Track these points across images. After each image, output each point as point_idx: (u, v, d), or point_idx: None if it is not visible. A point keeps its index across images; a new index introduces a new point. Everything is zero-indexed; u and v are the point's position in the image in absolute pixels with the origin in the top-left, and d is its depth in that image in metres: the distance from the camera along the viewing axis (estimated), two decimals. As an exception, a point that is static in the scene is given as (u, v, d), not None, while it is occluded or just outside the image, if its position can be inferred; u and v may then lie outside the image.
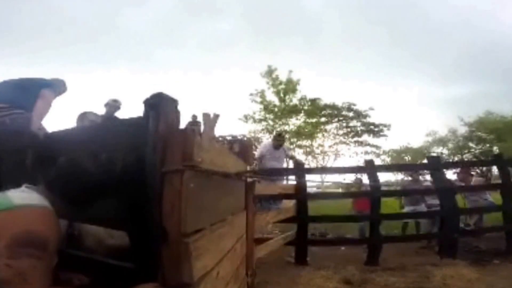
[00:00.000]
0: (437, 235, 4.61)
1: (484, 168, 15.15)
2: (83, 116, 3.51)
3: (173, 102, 1.22)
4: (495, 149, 20.14)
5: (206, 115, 3.73)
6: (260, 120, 21.03)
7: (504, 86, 32.33)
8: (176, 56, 43.14)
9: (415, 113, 42.11)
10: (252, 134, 20.23)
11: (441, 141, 23.90)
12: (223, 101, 31.34)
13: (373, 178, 4.41)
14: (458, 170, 5.87)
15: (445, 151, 23.55)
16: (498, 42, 34.51)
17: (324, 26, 38.58)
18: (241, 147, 2.54)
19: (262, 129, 21.22)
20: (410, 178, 5.96)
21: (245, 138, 11.29)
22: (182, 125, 1.25)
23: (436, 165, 4.75)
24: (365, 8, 40.48)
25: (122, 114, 4.30)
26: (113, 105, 4.29)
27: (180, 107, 1.25)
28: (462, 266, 3.62)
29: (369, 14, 40.05)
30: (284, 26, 38.89)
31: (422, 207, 5.38)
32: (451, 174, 6.38)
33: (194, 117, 6.96)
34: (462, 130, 22.98)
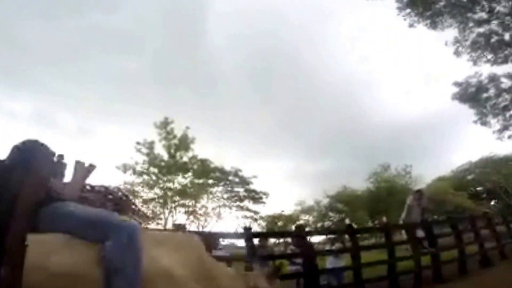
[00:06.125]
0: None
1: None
2: None
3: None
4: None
5: (79, 164, 3.41)
6: (142, 173, 19.69)
7: (358, 162, 40.19)
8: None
9: (289, 183, 47.73)
10: (128, 186, 18.54)
11: (308, 210, 27.56)
12: (106, 145, 28.42)
13: (250, 244, 4.70)
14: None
15: (311, 219, 27.12)
16: (357, 121, 44.03)
17: (227, 89, 41.81)
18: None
19: (141, 183, 19.66)
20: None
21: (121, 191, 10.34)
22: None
23: (301, 232, 5.66)
24: (261, 81, 46.35)
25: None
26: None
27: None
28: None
29: (262, 87, 45.63)
30: (187, 79, 39.86)
31: None
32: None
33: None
34: (325, 201, 27.28)
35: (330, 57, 49.57)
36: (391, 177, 25.88)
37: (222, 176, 21.81)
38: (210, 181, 21.59)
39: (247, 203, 22.79)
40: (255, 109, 44.73)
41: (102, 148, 27.56)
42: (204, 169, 20.97)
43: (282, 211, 27.25)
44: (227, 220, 22.23)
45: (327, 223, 26.42)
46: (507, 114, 13.79)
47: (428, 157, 34.85)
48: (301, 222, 23.82)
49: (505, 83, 13.43)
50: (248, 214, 22.79)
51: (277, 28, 45.08)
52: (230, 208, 22.38)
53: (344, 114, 45.45)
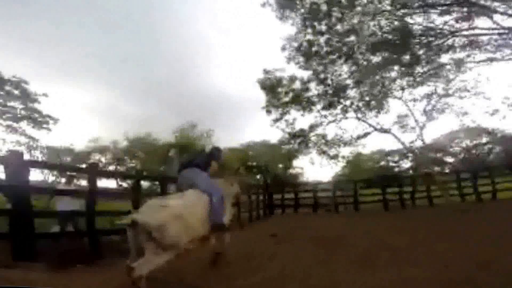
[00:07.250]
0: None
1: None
2: None
3: None
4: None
5: None
6: None
7: (173, 116, 40.20)
8: None
9: (91, 116, 41.98)
10: None
11: (103, 150, 25.50)
12: None
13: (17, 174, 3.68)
14: None
15: (103, 160, 25.41)
16: (186, 79, 44.48)
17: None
18: None
19: None
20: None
21: None
22: None
23: (93, 171, 5.01)
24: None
25: None
26: None
27: None
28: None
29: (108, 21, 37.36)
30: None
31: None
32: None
33: None
34: (124, 144, 25.70)
35: (183, 18, 47.81)
36: (194, 136, 27.94)
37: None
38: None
39: (24, 125, 18.21)
40: (89, 38, 37.04)
41: None
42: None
43: (72, 144, 24.06)
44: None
45: (120, 167, 25.51)
46: (284, 110, 16.22)
47: (230, 127, 41.45)
48: (92, 161, 21.86)
49: (297, 85, 15.75)
50: (23, 140, 18.34)
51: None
52: (-5, 127, 17.14)
53: (177, 70, 45.29)
